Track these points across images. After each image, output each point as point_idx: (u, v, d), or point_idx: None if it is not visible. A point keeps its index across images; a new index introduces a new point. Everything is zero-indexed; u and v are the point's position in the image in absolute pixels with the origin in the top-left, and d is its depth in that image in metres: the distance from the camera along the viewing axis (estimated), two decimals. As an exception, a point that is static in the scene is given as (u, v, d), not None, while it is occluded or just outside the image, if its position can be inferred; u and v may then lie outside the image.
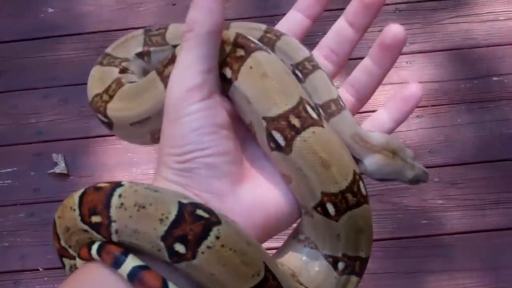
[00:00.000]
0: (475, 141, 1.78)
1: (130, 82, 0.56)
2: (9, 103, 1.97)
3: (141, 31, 0.59)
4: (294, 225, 0.55)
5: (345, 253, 0.52)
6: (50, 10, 2.07)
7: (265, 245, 0.49)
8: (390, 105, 0.54)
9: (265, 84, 0.49)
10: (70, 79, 1.94)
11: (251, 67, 0.49)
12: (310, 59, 0.53)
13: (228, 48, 0.50)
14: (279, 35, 0.54)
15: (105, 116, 0.55)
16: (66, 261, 0.50)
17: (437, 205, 1.70)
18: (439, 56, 1.93)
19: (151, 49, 0.58)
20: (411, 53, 1.93)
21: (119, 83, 0.55)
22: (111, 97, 0.54)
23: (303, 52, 0.53)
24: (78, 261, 0.47)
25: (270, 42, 0.53)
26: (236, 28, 0.53)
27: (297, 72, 0.52)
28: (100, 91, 0.56)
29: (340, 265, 0.53)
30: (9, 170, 1.84)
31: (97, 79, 0.57)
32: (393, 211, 1.70)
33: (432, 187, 1.72)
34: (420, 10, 2.01)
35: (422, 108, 1.83)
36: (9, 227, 1.76)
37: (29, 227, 1.75)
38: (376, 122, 0.54)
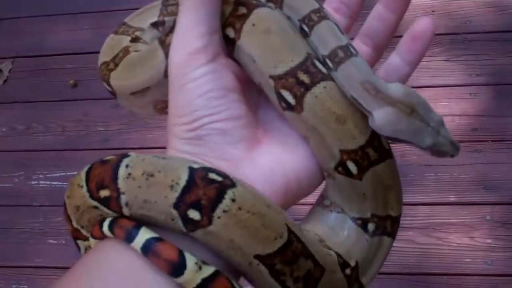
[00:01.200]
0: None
1: (137, 51, 0.54)
2: (81, 110, 2.10)
3: (160, 1, 0.58)
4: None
5: (374, 213, 0.49)
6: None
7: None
8: (402, 47, 0.48)
9: (269, 40, 0.46)
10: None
11: (253, 24, 0.46)
12: (317, 11, 0.48)
13: (229, 8, 0.47)
14: None
15: (109, 84, 0.54)
16: (81, 243, 0.48)
17: (484, 244, 1.64)
18: (504, 90, 1.86)
19: (166, 18, 0.57)
20: (476, 85, 1.88)
21: (126, 52, 0.54)
22: (116, 65, 0.53)
23: (311, 4, 0.48)
24: (92, 241, 0.45)
25: None
26: None
27: (304, 26, 0.48)
28: (108, 59, 0.54)
29: (370, 226, 0.50)
30: (74, 173, 1.94)
31: (108, 47, 0.56)
32: (438, 246, 1.66)
33: (482, 225, 1.66)
34: (489, 41, 1.95)
35: (481, 143, 1.78)
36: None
37: (86, 228, 1.85)
38: (390, 68, 0.49)
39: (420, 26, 0.47)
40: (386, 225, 0.50)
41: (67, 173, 1.97)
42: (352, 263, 0.48)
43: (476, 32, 1.98)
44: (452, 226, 1.68)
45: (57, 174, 1.98)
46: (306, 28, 0.48)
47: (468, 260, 1.63)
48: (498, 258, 1.62)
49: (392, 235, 0.51)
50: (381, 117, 0.44)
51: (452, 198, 1.72)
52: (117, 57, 0.54)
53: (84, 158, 1.97)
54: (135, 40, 0.56)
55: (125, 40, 0.56)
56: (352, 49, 0.46)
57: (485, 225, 1.67)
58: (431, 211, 1.71)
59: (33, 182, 2.00)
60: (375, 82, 0.45)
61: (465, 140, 1.79)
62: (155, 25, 0.57)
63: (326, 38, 0.47)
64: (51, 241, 1.86)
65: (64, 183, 1.95)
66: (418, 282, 1.63)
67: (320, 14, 0.48)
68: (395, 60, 0.49)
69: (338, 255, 0.48)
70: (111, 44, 0.56)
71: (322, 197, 0.52)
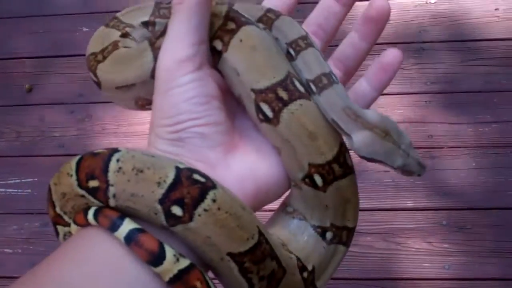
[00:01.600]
0: (489, 186, 1.76)
1: (126, 47, 0.56)
2: (37, 115, 2.05)
3: (153, 3, 0.60)
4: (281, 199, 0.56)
5: (333, 223, 0.53)
6: (85, 29, 2.17)
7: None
8: (371, 75, 0.53)
9: (254, 56, 0.49)
10: (96, 97, 2.01)
11: (241, 40, 0.49)
12: (304, 38, 0.52)
13: (219, 22, 0.50)
14: (278, 15, 0.54)
15: (95, 75, 0.56)
16: (60, 228, 0.50)
17: (441, 248, 1.68)
18: (459, 97, 1.91)
19: (157, 20, 0.59)
20: (431, 93, 1.92)
21: (115, 46, 0.56)
22: (104, 58, 0.55)
23: (299, 31, 0.53)
24: (73, 227, 0.47)
25: (269, 21, 0.53)
26: (238, 7, 0.53)
27: (290, 50, 0.52)
28: (97, 51, 0.57)
29: (328, 235, 0.54)
30: (30, 180, 1.92)
31: (98, 39, 0.58)
32: (396, 251, 1.69)
33: (440, 230, 1.70)
34: (444, 51, 2.00)
35: (437, 149, 1.82)
36: (23, 235, 1.83)
37: (43, 236, 1.82)
38: (359, 92, 0.53)
39: (389, 57, 0.52)
40: (342, 234, 0.54)
41: (22, 180, 1.92)
42: (310, 267, 0.53)
43: (431, 41, 2.03)
44: (410, 231, 1.71)
45: (12, 181, 1.93)
46: (292, 52, 0.52)
47: (427, 264, 1.66)
48: (455, 262, 1.66)
49: (347, 244, 0.55)
50: (360, 140, 0.49)
51: (409, 204, 1.75)
52: (106, 50, 0.56)
53: (40, 164, 1.93)
54: (124, 35, 0.59)
55: (115, 34, 0.58)
56: (334, 77, 0.51)
57: (442, 230, 1.71)
58: (389, 217, 1.74)
59: (-14, 189, 1.94)
60: (355, 108, 0.50)
61: (421, 146, 1.83)
62: (145, 24, 0.60)
63: (311, 64, 0.51)
64: (6, 250, 1.82)
65: (19, 190, 1.91)
66: (376, 287, 1.65)
67: (306, 41, 0.52)
68: (363, 85, 0.53)
69: (298, 259, 0.52)
70: (101, 36, 0.58)
71: (285, 204, 0.56)
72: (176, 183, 0.44)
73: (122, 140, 1.93)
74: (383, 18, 0.51)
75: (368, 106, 0.53)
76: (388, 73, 0.52)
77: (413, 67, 1.97)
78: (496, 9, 2.05)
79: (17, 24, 2.26)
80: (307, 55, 0.52)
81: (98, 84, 0.56)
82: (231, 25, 0.50)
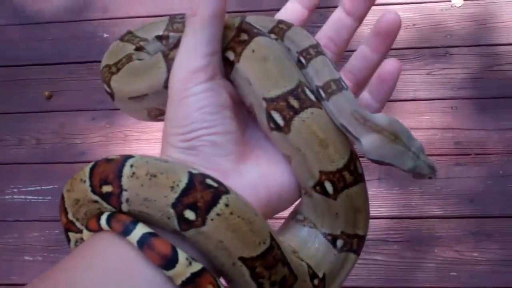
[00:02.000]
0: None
1: (140, 60, 0.58)
2: (57, 122, 2.04)
3: (167, 18, 0.62)
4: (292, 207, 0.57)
5: (344, 231, 0.54)
6: (105, 35, 2.16)
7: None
8: (372, 87, 0.54)
9: (266, 66, 0.50)
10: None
11: (253, 51, 0.51)
12: (315, 47, 0.53)
13: (232, 33, 0.52)
14: (290, 26, 0.55)
15: (109, 86, 0.57)
16: (72, 235, 0.50)
17: (470, 257, 1.64)
18: (486, 103, 1.87)
19: (170, 34, 0.61)
20: (458, 98, 1.88)
21: (129, 59, 0.57)
22: (118, 69, 0.57)
23: (310, 40, 0.54)
24: (85, 234, 0.48)
25: (280, 32, 0.54)
26: (250, 19, 0.54)
27: (301, 58, 0.53)
28: (111, 63, 0.58)
29: (339, 243, 0.54)
30: (50, 187, 1.91)
31: (112, 52, 0.60)
32: (423, 259, 1.65)
33: (467, 239, 1.66)
34: (470, 55, 1.96)
35: (464, 156, 1.78)
36: (44, 242, 1.82)
37: (63, 243, 1.80)
38: (362, 104, 0.54)
39: (388, 68, 0.52)
40: (353, 242, 0.54)
41: (43, 187, 1.91)
42: (320, 275, 0.53)
43: (456, 45, 1.99)
44: (437, 239, 1.68)
45: (32, 188, 1.92)
46: (303, 60, 0.53)
47: (454, 273, 1.63)
48: (483, 271, 1.62)
49: (357, 252, 0.55)
50: (369, 143, 0.50)
51: (436, 212, 1.72)
52: (120, 62, 0.57)
53: (60, 171, 1.92)
54: (139, 49, 0.60)
55: (129, 48, 0.60)
56: (343, 83, 0.52)
57: (470, 239, 1.67)
58: (416, 225, 1.71)
59: (6, 197, 1.93)
60: (363, 112, 0.50)
61: (448, 153, 1.79)
62: (159, 38, 0.61)
63: (321, 71, 0.52)
64: (27, 257, 1.80)
65: (40, 198, 1.90)
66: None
67: (317, 50, 0.53)
68: (366, 97, 0.54)
69: (309, 266, 0.52)
70: (116, 50, 0.60)
71: (295, 212, 0.56)
72: (189, 188, 0.44)
73: (144, 147, 1.91)
74: (394, 31, 0.52)
75: None
76: (388, 83, 0.53)
77: (439, 72, 1.93)
78: (523, 13, 2.01)
79: (36, 30, 2.25)
80: (317, 63, 0.53)
81: (112, 95, 0.57)
82: (244, 36, 0.51)
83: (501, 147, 1.79)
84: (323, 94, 0.51)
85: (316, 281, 0.52)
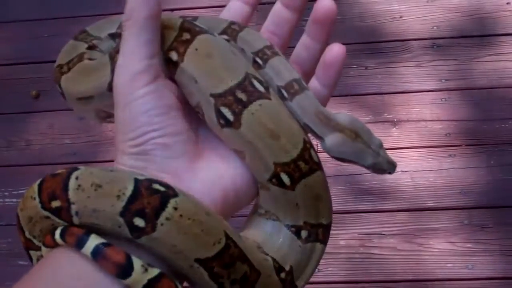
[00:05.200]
0: (508, 184, 1.75)
1: (91, 59, 0.57)
2: (46, 123, 2.02)
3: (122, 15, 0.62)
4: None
5: (307, 221, 0.53)
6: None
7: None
8: (318, 72, 0.54)
9: (211, 63, 0.50)
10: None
11: (196, 49, 0.50)
12: (270, 47, 0.54)
13: (174, 33, 0.51)
14: (242, 27, 0.55)
15: (59, 86, 0.57)
16: (33, 253, 0.50)
17: (465, 248, 1.67)
18: (475, 94, 1.90)
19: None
20: (447, 90, 1.91)
21: (80, 58, 0.57)
22: (69, 69, 0.56)
23: (263, 41, 0.54)
24: (44, 250, 0.48)
25: (233, 33, 0.55)
26: (202, 20, 0.55)
27: (257, 59, 0.53)
28: (63, 63, 0.57)
29: (303, 234, 0.54)
30: (42, 189, 1.87)
31: (66, 52, 0.59)
32: (419, 252, 1.68)
33: (461, 230, 1.69)
34: (458, 47, 1.98)
35: (455, 148, 1.81)
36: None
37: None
38: (311, 92, 0.54)
39: (333, 52, 0.52)
40: (318, 232, 0.54)
41: (34, 189, 1.88)
42: (287, 268, 0.53)
43: (443, 37, 2.01)
44: (432, 231, 1.70)
45: (23, 191, 1.87)
46: (259, 61, 0.53)
47: (450, 265, 1.65)
48: (479, 262, 1.65)
49: (324, 242, 0.55)
50: (331, 142, 0.52)
51: (430, 204, 1.74)
52: (72, 62, 0.57)
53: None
54: (91, 48, 0.59)
55: (83, 46, 0.59)
56: (303, 83, 0.53)
57: (464, 230, 1.70)
58: (410, 218, 1.73)
59: (-2, 201, 1.91)
60: (326, 112, 0.52)
61: (439, 145, 1.82)
62: (112, 36, 0.61)
63: (281, 71, 0.53)
64: (21, 262, 1.77)
65: (32, 200, 1.87)
66: (401, 289, 1.65)
67: (272, 50, 0.54)
68: (314, 84, 0.54)
69: (274, 260, 0.52)
70: (69, 49, 0.59)
71: (256, 206, 0.56)
72: (135, 195, 0.44)
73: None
74: (330, 18, 0.52)
75: (323, 104, 0.54)
76: (334, 68, 0.53)
77: (428, 64, 1.95)
78: (507, 3, 2.03)
79: (22, 28, 2.21)
80: (275, 63, 0.53)
81: (63, 95, 0.57)
82: (186, 36, 0.51)
83: (491, 138, 1.82)
84: (285, 94, 0.52)
85: (283, 275, 0.52)
